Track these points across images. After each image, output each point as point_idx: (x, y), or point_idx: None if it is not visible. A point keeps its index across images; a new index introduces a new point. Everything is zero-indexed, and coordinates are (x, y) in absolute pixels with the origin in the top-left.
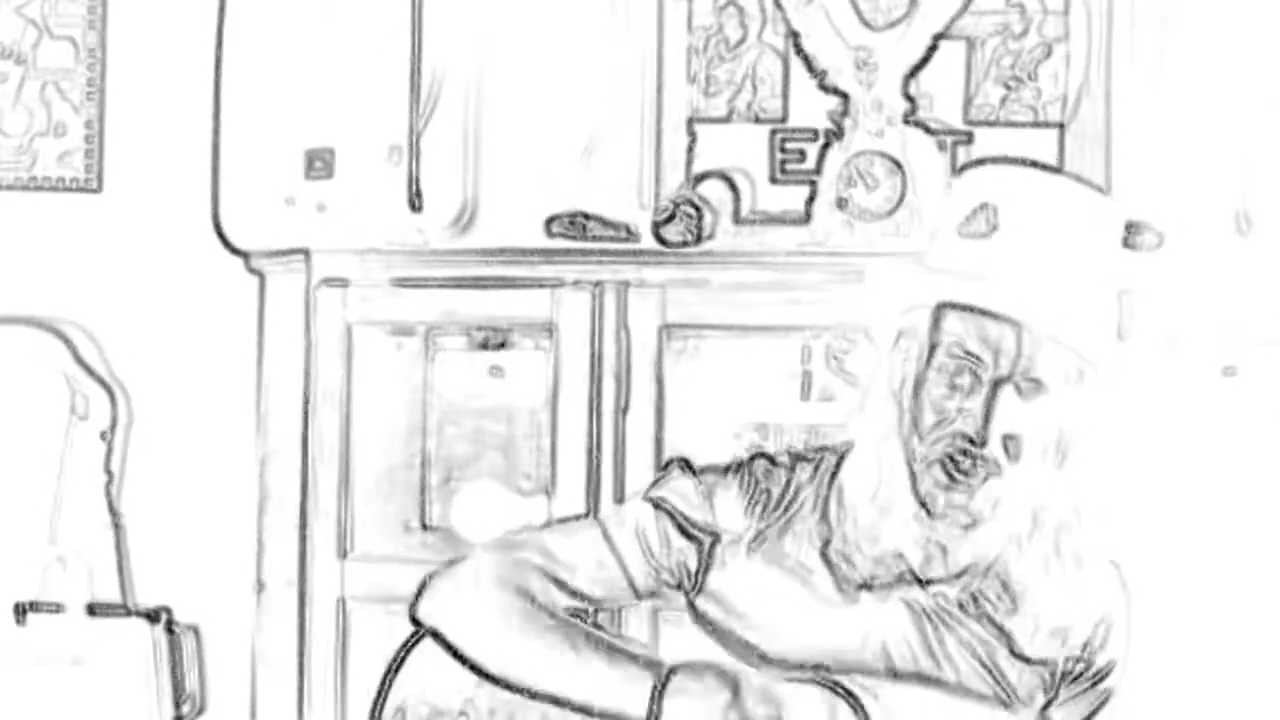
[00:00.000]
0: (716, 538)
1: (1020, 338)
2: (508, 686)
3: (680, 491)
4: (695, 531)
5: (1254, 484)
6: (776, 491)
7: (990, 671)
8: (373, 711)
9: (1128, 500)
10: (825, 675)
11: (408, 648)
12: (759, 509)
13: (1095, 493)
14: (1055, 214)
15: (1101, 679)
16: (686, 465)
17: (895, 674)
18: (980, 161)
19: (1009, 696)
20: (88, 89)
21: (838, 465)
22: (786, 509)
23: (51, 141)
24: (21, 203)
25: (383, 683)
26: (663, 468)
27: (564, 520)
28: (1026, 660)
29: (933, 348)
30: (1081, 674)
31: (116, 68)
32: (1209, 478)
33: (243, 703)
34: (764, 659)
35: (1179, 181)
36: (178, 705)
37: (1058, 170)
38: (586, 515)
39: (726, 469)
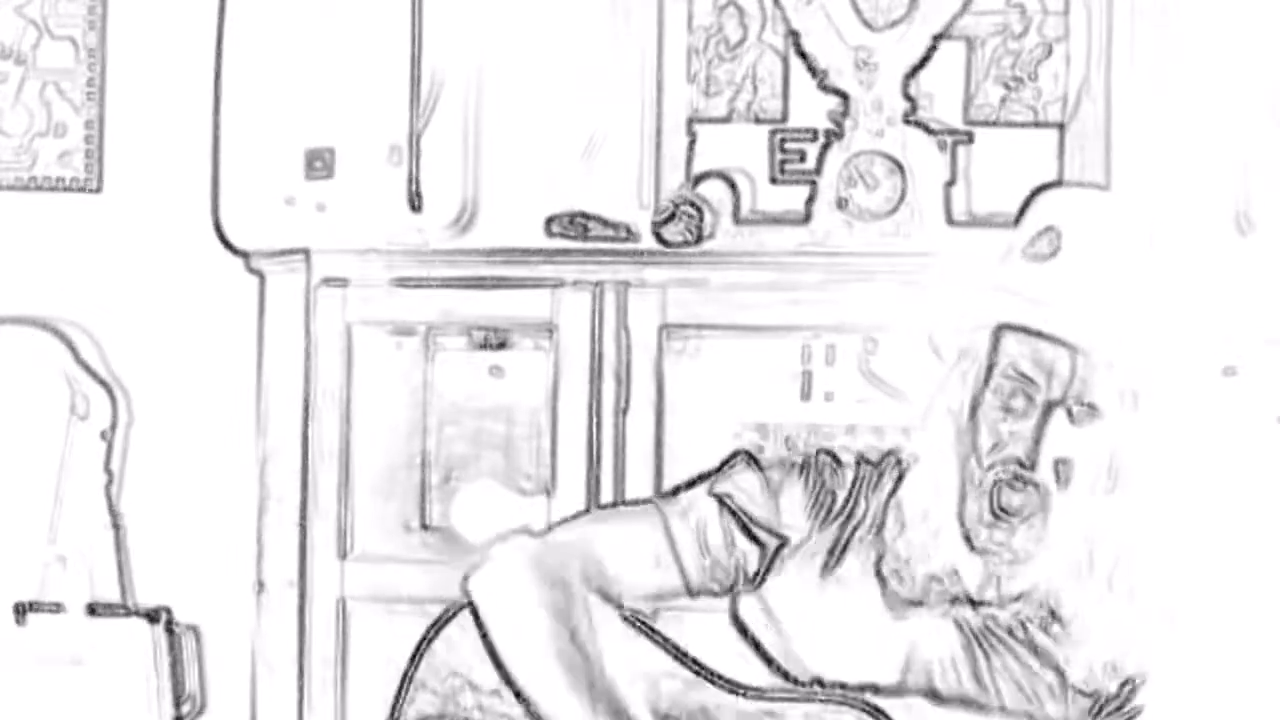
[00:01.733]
0: (783, 542)
1: (1074, 361)
2: (517, 695)
3: (746, 488)
4: (759, 532)
5: (1254, 484)
6: (841, 495)
7: (1030, 700)
8: (405, 675)
9: (1126, 500)
10: (864, 700)
11: (449, 616)
12: (823, 512)
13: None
14: (1118, 238)
15: (1134, 715)
16: (752, 459)
17: (938, 696)
18: (1050, 185)
19: None
20: (88, 89)
21: (899, 478)
22: (849, 516)
23: (51, 141)
24: (21, 203)
25: (419, 647)
26: (727, 462)
27: (624, 505)
28: (1076, 690)
29: (990, 369)
30: (1119, 708)
31: (116, 68)
32: (1209, 478)
33: (243, 703)
34: (796, 681)
35: (1179, 181)
36: (178, 705)
37: (1118, 194)
38: (646, 501)
39: (792, 466)
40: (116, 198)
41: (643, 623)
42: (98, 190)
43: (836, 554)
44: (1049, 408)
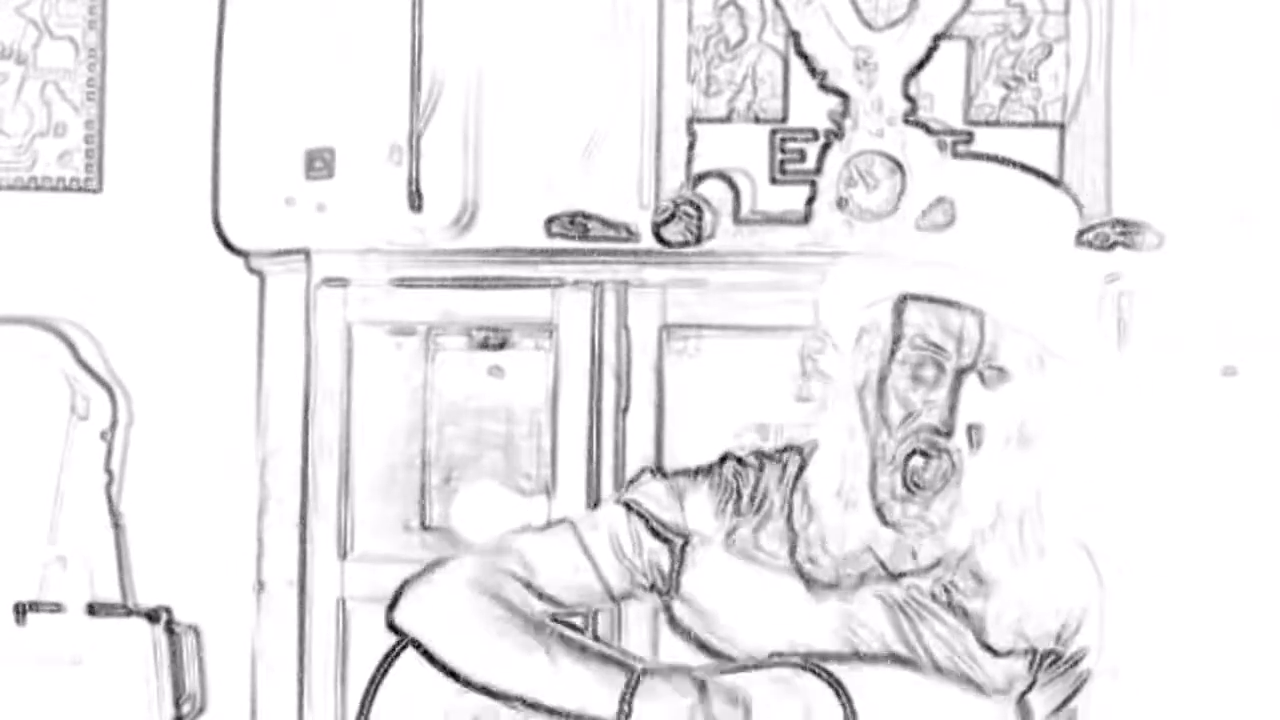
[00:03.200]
0: (687, 539)
1: (983, 325)
2: (485, 692)
3: (651, 494)
4: (666, 532)
5: (1254, 484)
6: (747, 492)
7: (965, 662)
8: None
9: (1127, 500)
10: (805, 659)
11: (391, 658)
12: (730, 509)
13: (1098, 493)
14: (1011, 208)
15: (1076, 663)
16: (657, 470)
17: (868, 658)
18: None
19: (985, 686)
20: (88, 89)
21: (801, 467)
22: (758, 510)
23: (51, 141)
24: (21, 203)
25: (367, 693)
26: (634, 477)
27: (539, 526)
28: (995, 652)
29: (895, 341)
30: (1057, 659)
31: (116, 68)
32: (1209, 478)
33: (243, 703)
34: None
35: (1179, 181)
36: (178, 705)
37: (1023, 167)
38: (559, 521)
39: (697, 471)
40: (116, 198)
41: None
42: (98, 190)
43: (751, 535)
44: (960, 374)
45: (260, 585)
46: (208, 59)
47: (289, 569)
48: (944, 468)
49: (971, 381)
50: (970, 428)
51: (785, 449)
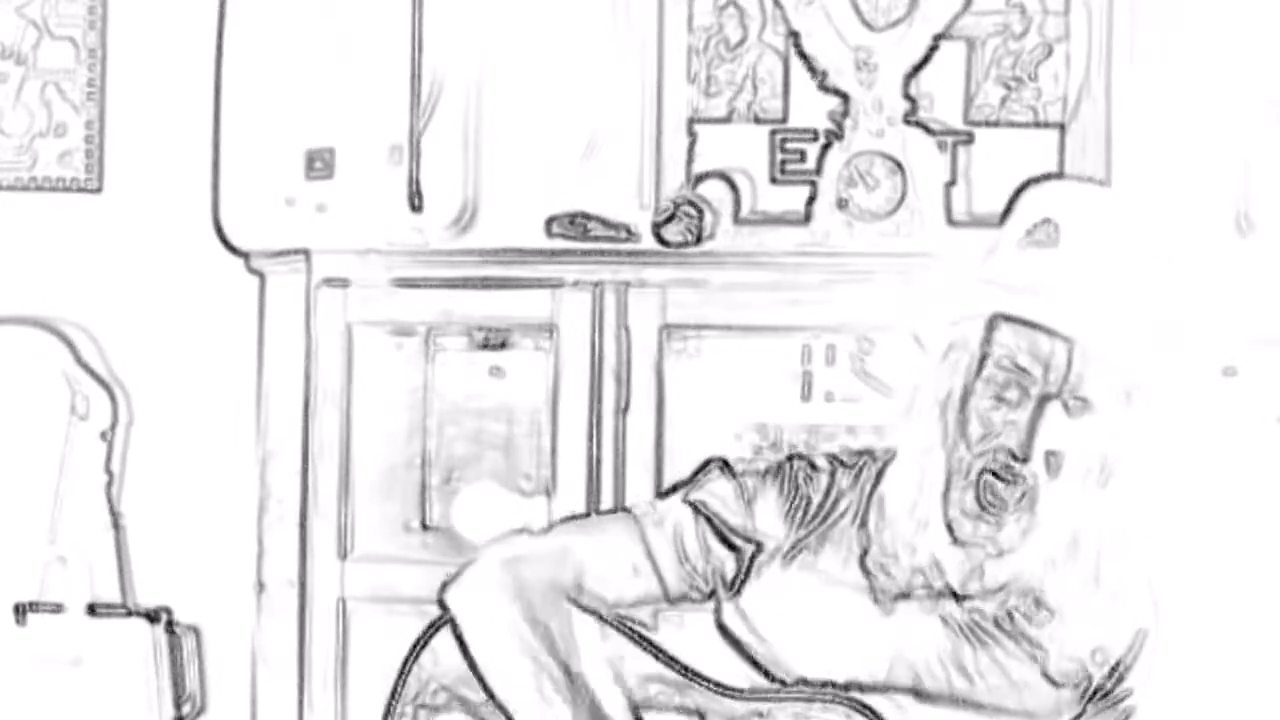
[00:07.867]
0: (758, 547)
1: (1071, 355)
2: (498, 707)
3: (721, 495)
4: (735, 539)
5: (1254, 484)
6: (817, 499)
7: (1020, 693)
8: (393, 691)
9: (1127, 500)
10: (850, 697)
11: (433, 630)
12: (799, 515)
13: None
14: (1116, 232)
15: (1124, 699)
16: (726, 467)
17: (923, 693)
18: (1045, 176)
19: (1036, 714)
20: (88, 89)
21: (879, 474)
22: (825, 517)
23: (51, 141)
24: (21, 203)
25: (405, 663)
26: (701, 466)
27: (600, 515)
28: (1055, 683)
29: (983, 359)
30: (1109, 693)
31: (116, 68)
32: (1209, 478)
33: (243, 703)
34: (783, 682)
35: (1179, 181)
36: (178, 705)
37: (1115, 188)
38: (623, 510)
39: (765, 472)
40: (116, 198)
41: (629, 628)
42: (98, 190)
43: (814, 550)
44: (1044, 400)
45: (260, 585)
46: (208, 59)
47: (289, 569)
48: (1018, 492)
49: (1054, 409)
50: (1049, 454)
51: (861, 454)
